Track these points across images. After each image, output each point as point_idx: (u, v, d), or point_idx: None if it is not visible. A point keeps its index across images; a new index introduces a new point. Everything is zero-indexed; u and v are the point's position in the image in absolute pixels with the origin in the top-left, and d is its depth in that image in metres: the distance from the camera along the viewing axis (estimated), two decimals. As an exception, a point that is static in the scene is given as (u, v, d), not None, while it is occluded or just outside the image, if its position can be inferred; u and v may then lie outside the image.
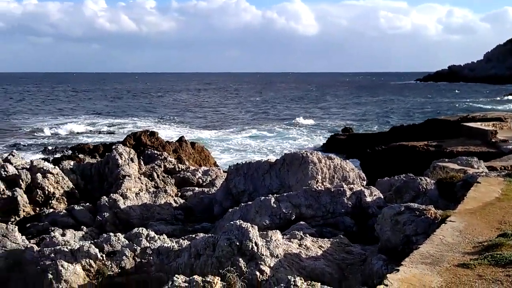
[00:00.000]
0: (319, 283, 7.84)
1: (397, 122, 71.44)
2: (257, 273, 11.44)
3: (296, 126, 78.57)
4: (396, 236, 11.83)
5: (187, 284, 8.48)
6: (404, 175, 19.58)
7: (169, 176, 25.26)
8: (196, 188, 23.83)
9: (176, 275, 8.95)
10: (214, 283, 8.22)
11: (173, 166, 26.47)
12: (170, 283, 8.48)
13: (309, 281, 7.94)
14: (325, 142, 58.42)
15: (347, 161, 21.27)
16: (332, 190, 17.19)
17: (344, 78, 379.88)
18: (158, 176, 24.66)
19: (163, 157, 27.20)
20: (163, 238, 14.14)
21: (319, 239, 14.01)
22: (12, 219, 20.84)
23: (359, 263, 12.74)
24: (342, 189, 17.15)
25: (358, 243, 14.57)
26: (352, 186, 18.03)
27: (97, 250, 13.09)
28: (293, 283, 7.92)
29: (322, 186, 17.98)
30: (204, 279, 8.41)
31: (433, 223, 11.40)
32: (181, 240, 14.27)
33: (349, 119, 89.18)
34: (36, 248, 13.73)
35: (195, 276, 8.63)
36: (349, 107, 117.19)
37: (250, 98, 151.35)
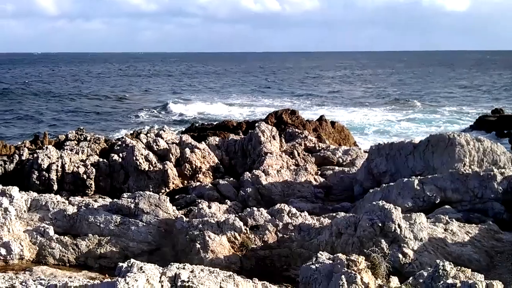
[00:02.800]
0: (469, 270, 7.52)
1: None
2: (400, 255, 11.26)
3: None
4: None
5: (331, 261, 8.56)
6: None
7: (310, 155, 25.41)
8: (336, 167, 23.79)
9: (320, 252, 9.07)
10: (358, 262, 8.21)
11: (313, 145, 26.59)
12: (314, 259, 8.60)
13: (459, 267, 7.65)
14: (472, 124, 55.41)
15: (498, 143, 20.04)
16: (481, 174, 16.34)
17: (494, 57, 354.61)
18: (298, 154, 24.92)
19: (303, 135, 27.41)
20: (304, 215, 14.33)
21: (466, 224, 13.45)
22: (163, 191, 22.21)
23: (509, 252, 12.07)
24: (492, 173, 16.23)
25: (509, 230, 13.79)
26: (503, 170, 16.99)
27: (241, 223, 13.59)
28: (441, 268, 7.69)
29: (470, 170, 17.16)
30: (348, 257, 8.42)
31: None
32: (322, 218, 14.38)
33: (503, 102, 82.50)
34: (185, 218, 14.56)
35: (339, 254, 8.68)
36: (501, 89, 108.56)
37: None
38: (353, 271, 8.12)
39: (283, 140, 26.25)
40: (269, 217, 14.03)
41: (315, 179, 21.87)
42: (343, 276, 8.11)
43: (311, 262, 8.87)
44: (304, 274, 8.90)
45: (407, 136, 48.30)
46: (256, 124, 26.97)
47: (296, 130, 29.47)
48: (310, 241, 13.04)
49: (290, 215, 14.10)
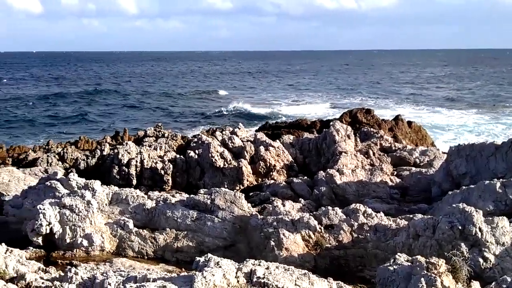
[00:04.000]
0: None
1: None
2: (480, 260, 10.89)
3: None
4: None
5: (409, 263, 8.39)
6: None
7: (385, 155, 24.97)
8: (413, 168, 23.25)
9: (398, 254, 8.91)
10: (438, 265, 8.00)
11: (389, 145, 26.11)
12: (392, 260, 8.46)
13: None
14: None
15: None
16: None
17: None
18: (374, 154, 24.53)
19: (379, 135, 26.97)
20: (380, 216, 14.11)
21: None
22: (237, 187, 22.46)
23: None
24: None
25: None
26: None
27: (316, 222, 13.55)
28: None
29: (558, 173, 16.35)
30: (427, 260, 8.23)
31: None
32: (398, 219, 14.10)
33: None
34: (259, 215, 14.67)
35: (418, 256, 8.50)
36: None
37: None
38: (433, 274, 7.92)
39: (358, 140, 25.94)
40: (344, 216, 13.91)
41: (390, 180, 21.48)
42: (422, 279, 7.93)
43: (389, 264, 8.73)
44: (382, 275, 8.76)
45: (489, 138, 46.54)
46: (331, 123, 26.78)
47: (372, 129, 29.03)
48: (386, 242, 12.82)
49: (365, 215, 13.92)
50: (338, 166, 22.24)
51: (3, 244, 11.30)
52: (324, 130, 26.49)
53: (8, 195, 19.17)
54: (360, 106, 42.64)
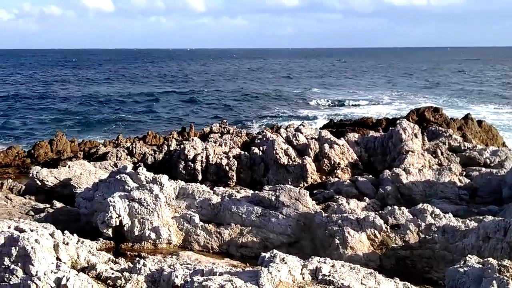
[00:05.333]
0: None
1: None
2: (555, 265, 10.45)
3: None
4: None
5: (480, 266, 8.16)
6: None
7: (454, 154, 24.34)
8: (483, 169, 22.52)
9: (469, 255, 8.69)
10: (510, 268, 7.75)
11: (458, 144, 25.40)
12: (463, 262, 8.26)
13: None
14: None
15: None
16: None
17: None
18: (442, 153, 23.97)
19: (447, 134, 26.27)
20: (449, 217, 13.77)
21: None
22: (301, 185, 22.42)
23: None
24: None
25: None
26: None
27: (382, 222, 13.38)
28: None
29: None
30: (499, 262, 7.98)
31: None
32: (467, 221, 13.72)
33: None
34: (324, 213, 14.61)
35: (490, 259, 8.26)
36: None
37: None
38: (505, 277, 7.68)
39: (425, 139, 25.38)
40: (411, 216, 13.67)
41: (459, 180, 20.89)
42: (494, 282, 7.69)
43: (459, 265, 8.52)
44: (451, 277, 8.57)
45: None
46: (397, 121, 26.33)
47: (440, 128, 28.30)
48: (454, 243, 12.51)
49: (433, 215, 13.62)
50: (404, 165, 21.85)
51: (75, 235, 11.72)
52: (391, 128, 26.09)
53: (80, 187, 19.90)
54: (428, 105, 41.65)
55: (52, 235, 10.49)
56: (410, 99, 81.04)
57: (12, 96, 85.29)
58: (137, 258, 11.55)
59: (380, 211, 14.57)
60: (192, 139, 25.96)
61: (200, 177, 23.81)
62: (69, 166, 21.87)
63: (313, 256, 9.25)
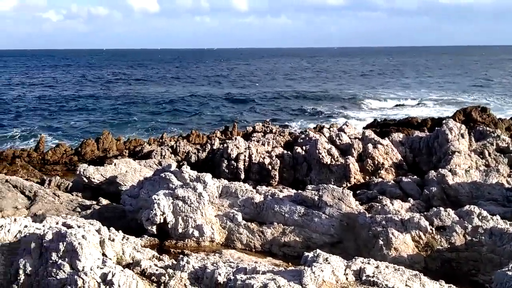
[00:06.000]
0: None
1: None
2: None
3: None
4: None
5: (530, 270, 7.96)
6: None
7: (502, 155, 23.73)
8: (534, 170, 21.92)
9: (517, 259, 8.47)
10: None
11: (506, 145, 24.74)
12: (511, 265, 8.06)
13: None
14: None
15: None
16: None
17: None
18: (489, 154, 23.40)
19: (495, 134, 25.63)
20: (496, 219, 13.43)
21: None
22: (344, 185, 22.26)
23: None
24: None
25: None
26: None
27: (427, 223, 13.15)
28: None
29: None
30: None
31: None
32: (516, 223, 13.36)
33: None
34: (367, 214, 14.46)
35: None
36: None
37: None
38: (556, 283, 7.47)
39: (472, 139, 24.83)
40: (457, 218, 13.39)
41: (507, 182, 20.37)
42: (544, 287, 7.50)
43: (507, 268, 8.31)
44: (499, 280, 8.36)
45: None
46: (444, 121, 25.84)
47: (487, 128, 27.65)
48: (502, 246, 12.20)
49: (480, 217, 13.31)
50: (450, 166, 21.45)
51: (120, 231, 11.94)
52: (436, 128, 25.63)
53: (125, 185, 20.26)
54: (473, 105, 40.78)
55: (98, 231, 10.71)
56: (458, 99, 79.49)
57: (62, 96, 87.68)
58: (181, 256, 11.68)
59: (425, 213, 14.32)
60: (235, 138, 26.09)
61: (242, 176, 23.92)
62: (115, 164, 22.28)
63: (356, 257, 9.17)
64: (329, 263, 8.41)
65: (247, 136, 29.46)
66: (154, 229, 14.27)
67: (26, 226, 10.68)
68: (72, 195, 19.97)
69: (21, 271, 9.58)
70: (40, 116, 65.60)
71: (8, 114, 66.46)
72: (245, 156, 24.37)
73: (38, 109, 71.49)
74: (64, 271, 9.18)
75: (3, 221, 10.81)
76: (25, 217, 11.43)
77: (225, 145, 25.72)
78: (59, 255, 9.33)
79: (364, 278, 8.31)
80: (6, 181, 19.31)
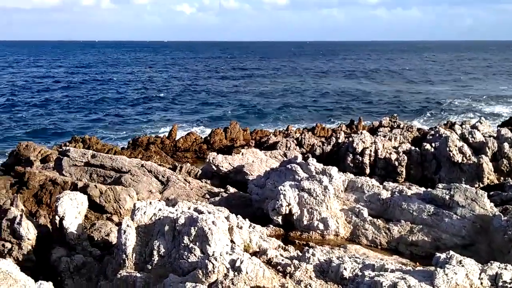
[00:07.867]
0: None
1: None
2: None
3: None
4: None
5: None
6: None
7: None
8: None
9: None
10: None
11: None
12: None
13: None
14: None
15: None
16: None
17: None
18: None
19: None
20: None
21: None
22: (476, 185, 21.19)
23: None
24: None
25: None
26: None
27: None
28: None
29: None
30: None
31: None
32: None
33: None
34: (503, 217, 13.64)
35: None
36: None
37: None
38: None
39: None
40: None
41: None
42: None
43: None
44: None
45: None
46: None
47: None
48: None
49: None
50: None
51: (247, 219, 12.21)
52: None
53: (252, 174, 20.68)
54: None
55: (227, 218, 11.05)
56: None
57: (192, 86, 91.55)
58: (306, 247, 11.74)
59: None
60: (361, 132, 25.72)
61: (368, 171, 23.55)
62: (242, 154, 22.84)
63: (492, 261, 8.70)
64: (463, 266, 8.04)
65: (373, 131, 28.94)
66: (279, 219, 14.46)
67: (160, 210, 11.22)
68: (202, 181, 20.72)
69: (155, 252, 10.12)
70: (181, 106, 69.66)
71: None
72: (370, 150, 23.95)
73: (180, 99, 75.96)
74: (195, 254, 9.56)
75: (139, 204, 11.45)
76: (159, 200, 12.01)
77: (350, 139, 25.44)
78: (191, 239, 9.73)
79: (500, 284, 7.87)
80: (142, 165, 20.43)
